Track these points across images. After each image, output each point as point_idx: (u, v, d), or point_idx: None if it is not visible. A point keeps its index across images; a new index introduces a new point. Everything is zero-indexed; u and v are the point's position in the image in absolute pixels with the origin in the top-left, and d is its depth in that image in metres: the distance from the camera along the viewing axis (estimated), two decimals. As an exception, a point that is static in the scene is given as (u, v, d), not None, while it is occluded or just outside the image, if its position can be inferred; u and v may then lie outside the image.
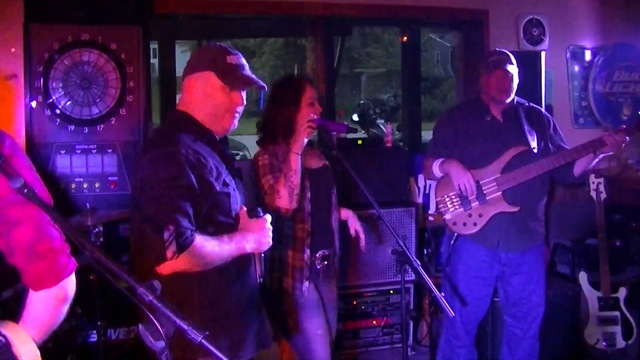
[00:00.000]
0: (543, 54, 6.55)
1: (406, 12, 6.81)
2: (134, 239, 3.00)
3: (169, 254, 2.59)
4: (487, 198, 4.73)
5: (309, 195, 3.98)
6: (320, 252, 4.07)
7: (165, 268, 2.65)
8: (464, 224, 4.80)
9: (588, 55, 7.56)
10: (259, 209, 3.02)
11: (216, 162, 2.92)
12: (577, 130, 7.14)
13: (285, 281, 3.99)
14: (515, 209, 4.70)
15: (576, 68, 7.53)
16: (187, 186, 2.75)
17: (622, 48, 7.60)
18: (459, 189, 4.71)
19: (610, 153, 4.61)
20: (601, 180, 5.75)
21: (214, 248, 2.77)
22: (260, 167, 3.96)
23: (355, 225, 4.31)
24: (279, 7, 6.28)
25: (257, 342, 3.15)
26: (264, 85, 3.08)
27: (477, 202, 4.76)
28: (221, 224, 2.90)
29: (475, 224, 4.78)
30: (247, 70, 3.03)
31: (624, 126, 4.65)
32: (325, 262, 4.12)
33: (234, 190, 3.00)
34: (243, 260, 2.96)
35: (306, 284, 3.98)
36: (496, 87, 4.78)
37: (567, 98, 7.46)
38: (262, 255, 3.01)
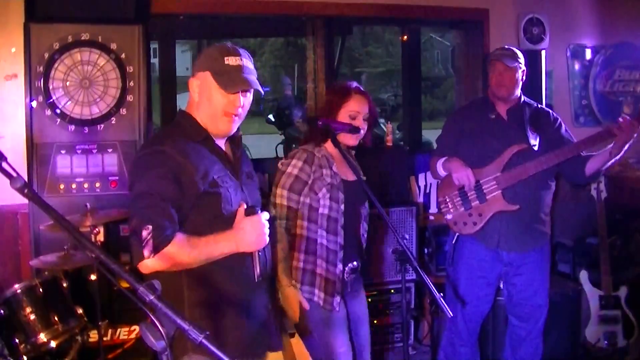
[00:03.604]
0: (543, 52, 6.55)
1: (406, 12, 6.81)
2: None
3: (145, 253, 2.61)
4: (487, 197, 4.73)
5: (342, 207, 3.93)
6: (350, 265, 4.01)
7: (144, 267, 2.68)
8: (464, 224, 4.80)
9: (588, 54, 7.56)
10: (257, 207, 2.99)
11: (208, 162, 2.92)
12: (577, 129, 7.13)
13: (316, 294, 3.91)
14: (514, 208, 4.69)
15: (576, 67, 7.53)
16: (168, 186, 2.77)
17: (622, 47, 7.60)
18: (458, 182, 4.71)
19: (626, 147, 4.51)
20: (602, 179, 5.75)
21: (195, 248, 2.77)
22: (282, 174, 3.96)
23: None
24: (279, 7, 6.28)
25: (259, 343, 3.12)
26: (261, 89, 3.03)
27: (477, 202, 4.76)
28: (208, 223, 2.87)
29: (475, 224, 4.78)
30: (247, 73, 2.97)
31: (628, 118, 4.55)
32: (353, 275, 4.08)
33: (230, 189, 2.97)
34: (237, 259, 2.91)
35: (337, 298, 3.94)
36: (495, 81, 4.79)
37: (567, 97, 7.47)
38: (259, 253, 2.93)
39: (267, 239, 2.94)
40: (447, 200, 4.86)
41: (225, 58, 2.94)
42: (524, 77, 4.83)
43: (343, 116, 3.94)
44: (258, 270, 2.90)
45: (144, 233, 2.62)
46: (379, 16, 6.95)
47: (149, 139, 3.30)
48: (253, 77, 2.99)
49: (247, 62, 2.99)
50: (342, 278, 3.96)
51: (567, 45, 7.42)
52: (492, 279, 4.94)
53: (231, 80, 2.92)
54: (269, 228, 2.97)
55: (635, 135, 4.45)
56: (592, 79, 7.59)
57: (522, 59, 4.79)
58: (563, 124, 4.96)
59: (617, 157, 4.56)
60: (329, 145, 3.97)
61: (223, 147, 3.09)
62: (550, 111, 5.02)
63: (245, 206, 2.92)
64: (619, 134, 4.45)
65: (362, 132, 3.98)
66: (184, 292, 2.87)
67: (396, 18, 7.15)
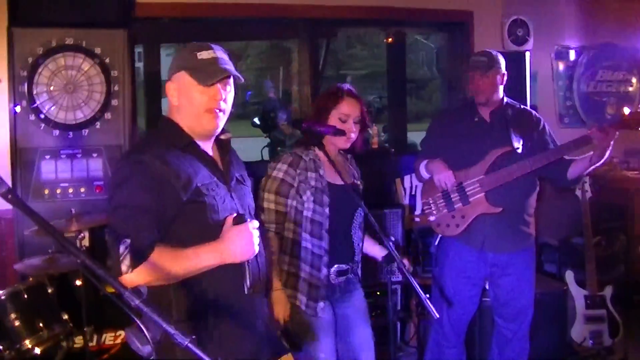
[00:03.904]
0: (528, 54, 6.56)
1: (391, 14, 6.82)
2: None
3: (123, 267, 2.50)
4: (470, 199, 4.74)
5: (327, 211, 3.89)
6: (335, 267, 3.98)
7: (124, 282, 2.49)
8: (447, 225, 4.81)
9: (572, 55, 7.60)
10: (246, 215, 2.84)
11: (191, 170, 2.78)
12: (562, 129, 7.16)
13: (298, 298, 3.87)
14: (497, 210, 4.70)
15: (561, 68, 7.57)
16: (147, 197, 2.66)
17: (605, 48, 7.65)
18: (439, 185, 4.71)
19: (606, 156, 4.56)
20: (587, 179, 5.77)
21: (176, 261, 2.63)
22: (268, 178, 3.95)
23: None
24: (263, 10, 6.28)
25: (261, 353, 3.00)
26: (240, 76, 2.89)
27: (460, 204, 4.77)
28: (193, 234, 2.73)
29: (458, 225, 4.78)
30: (223, 63, 2.84)
31: (606, 124, 4.62)
32: (343, 277, 4.03)
33: (217, 197, 2.83)
34: (225, 270, 2.74)
35: (321, 304, 3.89)
36: (472, 88, 4.81)
37: (552, 98, 7.50)
38: (249, 264, 2.81)
39: (257, 248, 2.78)
40: (431, 202, 4.86)
41: (198, 53, 2.83)
42: (505, 80, 4.83)
43: (334, 119, 3.92)
44: (248, 281, 2.82)
45: (122, 247, 2.53)
46: (363, 18, 6.96)
47: (129, 148, 3.19)
48: (230, 66, 2.86)
49: (221, 54, 2.87)
50: (329, 282, 3.95)
51: (551, 47, 7.46)
52: (477, 280, 4.94)
53: (207, 73, 2.80)
54: (260, 235, 2.86)
55: (612, 141, 4.48)
56: (576, 79, 7.62)
57: (500, 62, 4.79)
58: (546, 125, 4.97)
59: (598, 163, 4.60)
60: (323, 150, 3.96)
61: (210, 152, 2.94)
62: (533, 112, 5.03)
63: (234, 215, 2.78)
64: (595, 142, 4.50)
65: (353, 135, 3.96)
66: (172, 306, 2.74)
67: (381, 20, 7.17)
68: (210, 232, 2.74)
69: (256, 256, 2.86)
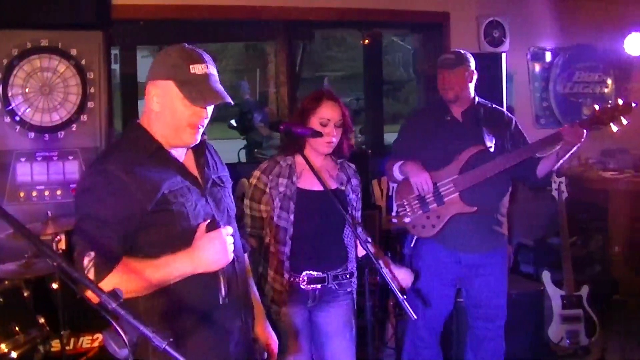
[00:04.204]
0: (504, 55, 6.59)
1: (367, 16, 6.83)
2: None
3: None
4: (444, 199, 4.74)
5: (292, 217, 3.87)
6: (305, 274, 3.96)
7: (90, 295, 2.20)
8: (423, 227, 4.81)
9: (548, 57, 7.65)
10: (219, 221, 2.73)
11: (158, 177, 2.67)
12: (538, 130, 7.19)
13: (266, 302, 3.83)
14: (472, 210, 4.71)
15: (537, 69, 7.62)
16: (110, 208, 2.57)
17: (581, 49, 7.70)
18: (417, 189, 4.72)
19: (573, 150, 4.61)
20: (563, 179, 5.81)
21: (143, 273, 2.54)
22: (249, 183, 3.99)
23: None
24: (240, 12, 6.27)
25: None
26: (231, 101, 2.75)
27: (435, 204, 4.77)
28: (163, 243, 2.63)
29: (433, 226, 4.79)
30: (214, 82, 2.71)
31: (576, 122, 4.68)
32: (317, 285, 3.98)
33: (188, 204, 2.72)
34: (199, 279, 2.64)
35: (284, 309, 3.89)
36: (440, 85, 4.82)
37: (528, 99, 7.54)
38: (222, 273, 2.64)
39: (231, 255, 2.66)
40: (405, 203, 4.86)
41: (191, 66, 2.66)
42: (474, 78, 4.84)
43: (314, 123, 3.90)
44: (223, 290, 2.65)
45: (86, 260, 2.46)
46: (340, 20, 6.96)
47: (96, 157, 3.05)
48: (220, 86, 2.73)
49: (212, 69, 2.73)
50: (298, 288, 3.94)
51: (527, 48, 7.50)
52: (451, 281, 4.95)
53: (199, 93, 2.66)
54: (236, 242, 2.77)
55: (582, 139, 4.52)
56: (552, 81, 7.67)
57: (468, 60, 4.80)
58: (517, 124, 5.00)
59: (564, 158, 4.65)
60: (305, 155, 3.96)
61: (182, 156, 2.83)
62: (504, 111, 5.06)
63: (207, 221, 2.68)
64: (566, 139, 4.53)
65: (334, 139, 3.95)
66: (142, 317, 2.46)
67: (357, 22, 7.18)
68: (182, 240, 2.64)
69: (233, 263, 2.78)
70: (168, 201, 2.66)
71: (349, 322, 4.13)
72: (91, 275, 2.44)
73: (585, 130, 4.52)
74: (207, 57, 2.76)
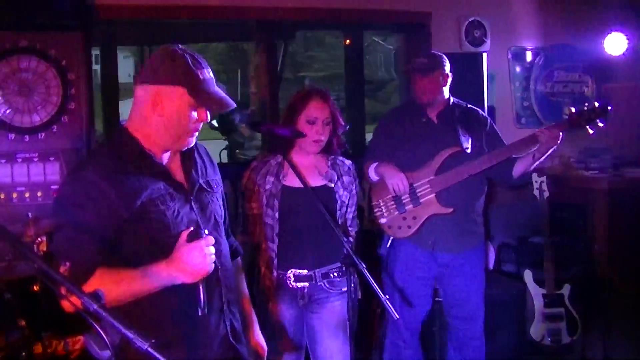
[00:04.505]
0: (485, 55, 6.61)
1: (349, 16, 6.82)
2: None
3: (62, 290, 2.21)
4: (420, 200, 4.75)
5: (276, 215, 3.91)
6: (291, 272, 3.98)
7: (66, 305, 2.30)
8: (399, 227, 4.82)
9: (529, 56, 7.67)
10: (202, 230, 2.64)
11: (138, 184, 2.62)
12: (519, 129, 7.22)
13: (260, 297, 3.92)
14: (448, 211, 4.73)
15: (518, 69, 7.63)
16: (86, 216, 2.52)
17: (561, 48, 7.73)
18: (393, 190, 4.72)
19: (549, 152, 4.63)
20: (544, 178, 5.83)
21: (119, 284, 2.50)
22: (242, 185, 4.06)
23: None
24: (221, 12, 6.25)
25: None
26: (234, 104, 2.74)
27: (411, 205, 4.78)
28: (143, 252, 2.60)
29: (409, 227, 4.80)
30: (218, 86, 2.72)
31: (553, 124, 4.71)
32: (306, 284, 4.01)
33: (169, 211, 2.67)
34: (177, 290, 2.59)
35: (273, 304, 3.93)
36: (415, 90, 4.83)
37: (509, 98, 7.56)
38: (203, 283, 2.58)
39: (211, 266, 2.59)
40: (382, 204, 4.87)
41: (199, 72, 2.65)
42: (448, 81, 4.85)
43: (302, 122, 3.93)
44: (202, 302, 2.57)
45: (61, 269, 2.41)
46: (321, 20, 6.96)
47: (79, 161, 2.97)
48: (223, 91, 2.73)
49: (211, 72, 2.74)
50: (286, 286, 3.95)
51: (508, 48, 7.51)
52: (428, 280, 4.97)
53: (210, 99, 2.66)
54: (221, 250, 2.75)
55: (558, 142, 4.54)
56: (533, 80, 7.69)
57: (443, 63, 4.81)
58: (493, 124, 5.03)
59: (540, 160, 4.68)
60: (293, 154, 3.97)
61: (165, 161, 2.77)
62: (480, 111, 5.07)
63: (189, 230, 2.60)
64: (542, 141, 4.55)
65: (323, 137, 3.96)
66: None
67: (339, 22, 7.17)
68: (162, 249, 2.59)
69: (217, 271, 2.74)
70: (147, 209, 2.61)
71: (342, 322, 4.09)
72: (66, 284, 2.37)
73: (561, 133, 4.54)
74: (204, 62, 2.74)
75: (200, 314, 2.58)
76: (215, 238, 2.67)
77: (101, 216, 2.53)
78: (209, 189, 2.92)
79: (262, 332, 3.38)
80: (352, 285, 3.41)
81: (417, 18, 7.00)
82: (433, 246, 4.83)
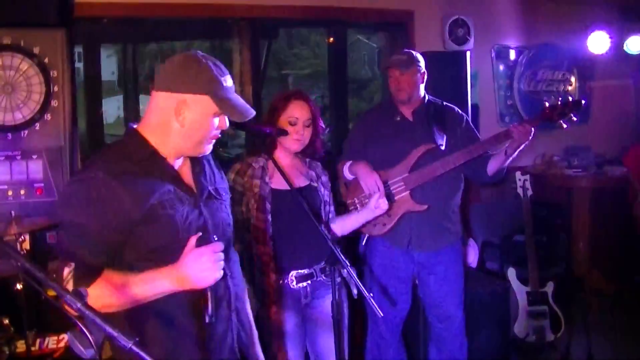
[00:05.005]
0: (468, 53, 6.62)
1: (332, 14, 6.83)
2: None
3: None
4: (395, 198, 4.75)
5: (269, 217, 3.86)
6: (293, 274, 3.97)
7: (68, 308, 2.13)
8: (374, 225, 4.81)
9: (513, 55, 7.70)
10: (212, 236, 2.62)
11: (148, 186, 2.55)
12: (503, 128, 7.23)
13: (254, 304, 3.81)
14: (423, 208, 4.72)
15: (501, 67, 7.67)
16: (93, 217, 2.45)
17: (545, 48, 7.77)
18: (366, 189, 4.71)
19: (521, 148, 4.64)
20: (527, 177, 5.87)
21: (124, 288, 2.44)
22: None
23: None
24: (204, 10, 6.24)
25: None
26: (254, 112, 2.69)
27: None
28: (150, 256, 2.53)
29: (384, 224, 4.80)
30: (235, 93, 2.68)
31: (526, 119, 4.73)
32: (306, 282, 4.01)
33: (178, 215, 2.60)
34: (184, 297, 2.55)
35: (273, 308, 3.87)
36: (393, 87, 4.84)
37: (492, 97, 7.59)
38: (211, 289, 2.53)
39: (220, 273, 2.52)
40: (356, 202, 4.86)
41: (222, 79, 2.60)
42: (424, 79, 4.86)
43: (283, 123, 3.93)
44: (210, 309, 2.53)
45: (66, 271, 2.39)
46: (305, 18, 6.97)
47: (87, 160, 2.86)
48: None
49: (231, 79, 2.69)
50: (288, 289, 3.94)
51: (491, 46, 7.55)
52: (406, 278, 4.96)
53: (235, 107, 2.61)
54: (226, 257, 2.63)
55: (530, 137, 4.56)
56: (517, 79, 7.73)
57: (420, 61, 4.82)
58: (469, 121, 5.04)
59: (513, 156, 4.69)
60: (275, 155, 3.96)
61: (175, 165, 2.71)
62: (456, 108, 5.06)
63: (198, 235, 2.55)
64: (515, 137, 4.57)
65: (303, 135, 3.97)
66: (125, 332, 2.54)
67: (322, 20, 7.18)
68: (169, 254, 2.52)
69: (225, 279, 2.70)
70: (157, 212, 2.54)
71: (329, 314, 4.11)
72: (70, 286, 2.35)
73: (533, 128, 4.56)
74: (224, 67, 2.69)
75: (207, 321, 2.55)
76: (223, 244, 2.62)
77: (109, 217, 2.47)
78: (217, 196, 2.86)
79: (260, 341, 3.29)
80: (337, 284, 3.41)
81: (399, 16, 7.01)
82: (408, 244, 4.83)
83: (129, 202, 2.48)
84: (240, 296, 2.93)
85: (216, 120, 2.63)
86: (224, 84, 2.61)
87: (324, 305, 4.05)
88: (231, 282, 2.79)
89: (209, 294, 2.53)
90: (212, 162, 2.95)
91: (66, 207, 2.54)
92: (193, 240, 2.51)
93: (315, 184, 4.09)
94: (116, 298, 2.43)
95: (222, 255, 2.54)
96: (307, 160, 4.17)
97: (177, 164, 2.73)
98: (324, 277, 4.03)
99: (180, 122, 2.59)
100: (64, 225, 2.52)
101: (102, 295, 2.40)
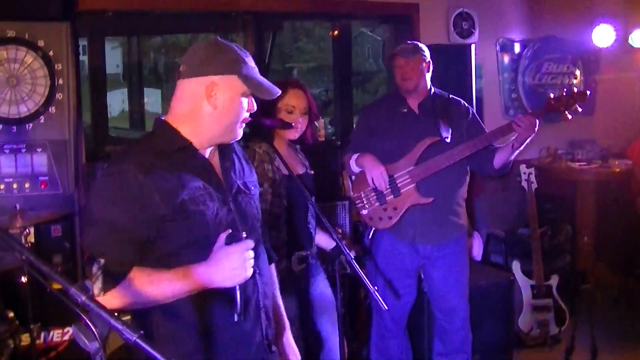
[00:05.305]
0: (473, 46, 6.61)
1: (337, 7, 6.83)
2: None
3: (95, 290, 2.27)
4: (401, 191, 4.74)
5: (285, 202, 3.87)
6: (295, 254, 3.93)
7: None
8: (380, 219, 4.81)
9: (517, 48, 7.69)
10: (241, 233, 2.51)
11: (178, 180, 2.49)
12: (507, 121, 7.23)
13: None
14: (428, 201, 4.71)
15: (506, 60, 7.65)
16: (124, 213, 2.40)
17: (549, 41, 7.75)
18: (372, 182, 4.71)
19: (527, 140, 4.63)
20: (532, 170, 5.85)
21: (154, 285, 2.39)
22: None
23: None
24: (209, 3, 6.25)
25: None
26: (280, 91, 2.73)
27: (392, 196, 4.77)
28: (180, 252, 2.48)
29: (390, 218, 4.79)
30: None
31: (530, 112, 4.71)
32: (304, 264, 3.99)
33: (209, 211, 2.54)
34: (213, 295, 2.50)
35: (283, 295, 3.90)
36: (399, 75, 4.82)
37: (497, 90, 7.58)
38: (240, 288, 2.47)
39: (249, 271, 2.47)
40: (362, 195, 4.85)
41: (246, 59, 2.60)
42: (430, 69, 4.85)
43: (281, 111, 3.94)
44: (238, 307, 2.48)
45: (95, 267, 2.33)
46: (309, 11, 6.96)
47: (116, 153, 2.79)
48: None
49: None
50: (292, 273, 3.94)
51: (496, 40, 7.53)
52: (411, 271, 4.96)
53: (261, 86, 2.61)
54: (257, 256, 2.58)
55: (535, 129, 4.54)
56: (521, 72, 7.71)
57: (425, 51, 4.81)
58: (475, 114, 5.02)
59: (520, 149, 4.66)
60: (274, 141, 3.97)
61: (207, 157, 2.66)
62: (462, 101, 5.04)
63: (228, 232, 2.47)
64: (519, 129, 4.55)
65: (300, 126, 3.98)
66: (154, 329, 2.52)
67: (327, 13, 7.17)
68: (199, 251, 2.48)
69: (254, 277, 2.63)
70: (187, 207, 2.49)
71: (330, 295, 4.20)
72: (99, 283, 2.32)
73: (537, 120, 4.54)
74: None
75: (236, 320, 2.51)
76: (253, 241, 2.55)
77: (139, 212, 2.42)
78: (246, 191, 2.80)
79: None
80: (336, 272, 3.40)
81: (404, 9, 7.00)
82: (414, 238, 4.82)
83: (158, 197, 2.43)
84: (269, 294, 2.86)
85: (245, 101, 2.61)
86: (249, 64, 2.61)
87: (317, 284, 4.14)
88: (260, 280, 2.73)
89: (237, 291, 2.48)
90: (241, 156, 2.91)
91: (95, 202, 2.50)
92: (222, 237, 2.46)
93: (312, 172, 4.13)
94: (145, 295, 2.40)
95: (252, 253, 2.49)
96: (298, 147, 4.20)
97: (207, 154, 2.66)
98: (314, 260, 4.12)
99: (213, 104, 2.55)
100: (94, 220, 2.45)
101: (131, 292, 2.38)
